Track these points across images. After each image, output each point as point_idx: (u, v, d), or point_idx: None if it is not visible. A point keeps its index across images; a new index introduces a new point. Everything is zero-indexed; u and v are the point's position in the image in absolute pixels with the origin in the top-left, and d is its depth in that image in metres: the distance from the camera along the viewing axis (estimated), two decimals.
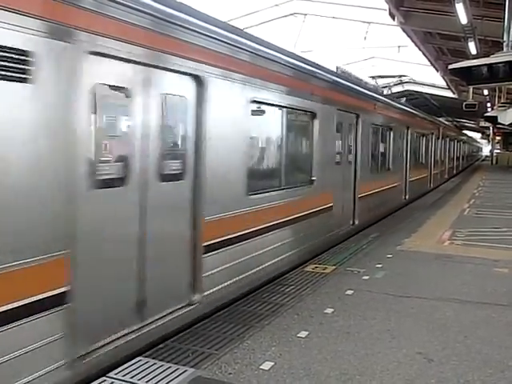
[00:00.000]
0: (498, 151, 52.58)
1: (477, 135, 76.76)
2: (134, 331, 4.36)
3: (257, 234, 6.15)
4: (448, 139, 27.54)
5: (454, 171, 33.01)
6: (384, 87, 30.25)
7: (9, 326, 3.20)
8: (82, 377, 3.82)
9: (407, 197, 15.91)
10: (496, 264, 8.02)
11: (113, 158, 4.18)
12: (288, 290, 6.49)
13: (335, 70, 10.54)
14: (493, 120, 22.45)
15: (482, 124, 42.19)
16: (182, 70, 4.77)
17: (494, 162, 49.80)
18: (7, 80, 3.12)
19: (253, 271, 6.16)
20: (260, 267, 6.34)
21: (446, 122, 31.43)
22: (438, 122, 24.08)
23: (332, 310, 5.73)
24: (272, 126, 7.22)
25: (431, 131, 20.81)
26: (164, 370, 4.15)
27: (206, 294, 5.21)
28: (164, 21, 4.45)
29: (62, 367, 3.60)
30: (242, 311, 5.66)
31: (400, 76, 18.91)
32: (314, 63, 8.46)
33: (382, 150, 12.96)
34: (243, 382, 4.03)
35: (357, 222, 10.51)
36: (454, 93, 32.48)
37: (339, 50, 26.51)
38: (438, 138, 22.82)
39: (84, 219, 3.76)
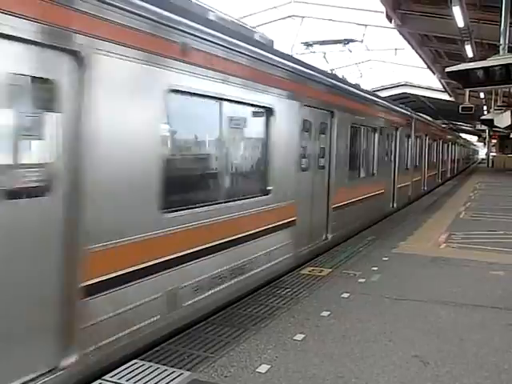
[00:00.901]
0: (494, 154, 52.77)
1: (473, 138, 76.99)
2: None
3: None
4: (428, 138, 21.13)
5: (440, 179, 26.58)
6: (381, 90, 30.19)
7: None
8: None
9: (329, 235, 9.22)
10: (492, 267, 8.04)
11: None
12: (284, 292, 6.49)
13: None
14: (489, 123, 22.53)
15: (479, 127, 42.34)
16: None
17: (490, 164, 49.97)
18: None
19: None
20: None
21: (426, 117, 22.46)
22: (409, 114, 17.02)
23: (328, 312, 5.73)
24: None
25: (393, 125, 14.43)
26: (160, 373, 4.14)
27: None
28: None
29: None
30: (238, 314, 5.65)
31: (346, 41, 13.53)
32: None
33: (247, 154, 6.87)
34: None
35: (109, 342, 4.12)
36: (450, 96, 32.59)
37: (336, 53, 26.55)
38: (409, 137, 16.60)
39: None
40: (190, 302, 5.13)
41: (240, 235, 6.04)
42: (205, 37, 5.26)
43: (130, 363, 4.28)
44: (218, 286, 5.63)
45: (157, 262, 4.61)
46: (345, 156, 9.87)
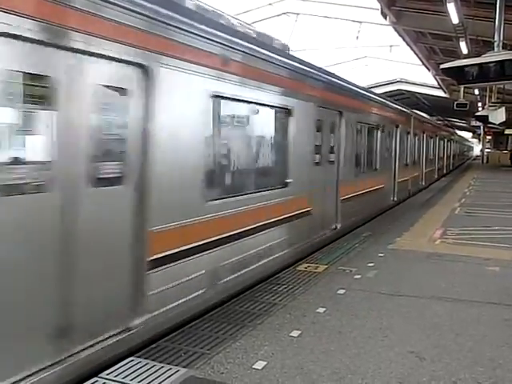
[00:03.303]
0: (489, 150, 52.92)
1: (468, 134, 77.21)
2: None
3: None
4: (402, 131, 15.88)
5: (423, 182, 21.42)
6: (376, 86, 30.15)
7: None
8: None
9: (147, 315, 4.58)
10: (487, 263, 8.07)
11: None
12: (280, 289, 6.49)
13: None
14: (484, 119, 22.55)
15: (473, 123, 42.42)
16: None
17: (485, 161, 50.15)
18: None
19: None
20: None
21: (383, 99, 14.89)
22: (375, 98, 13.39)
23: (324, 309, 5.73)
24: None
25: (339, 109, 9.71)
26: (156, 370, 4.14)
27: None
28: None
29: None
30: (235, 310, 5.66)
31: None
32: None
33: None
34: (236, 382, 4.03)
35: None
36: (445, 92, 32.60)
37: (331, 50, 26.59)
38: (372, 128, 11.96)
39: None
40: None
41: None
42: None
43: (127, 360, 4.27)
44: None
45: None
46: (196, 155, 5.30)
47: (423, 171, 21.50)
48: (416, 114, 20.25)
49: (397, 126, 15.28)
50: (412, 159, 18.37)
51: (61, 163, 3.76)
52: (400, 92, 36.92)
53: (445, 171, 32.23)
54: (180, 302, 5.04)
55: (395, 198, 15.63)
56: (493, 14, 10.79)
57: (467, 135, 76.55)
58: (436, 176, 26.93)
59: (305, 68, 8.32)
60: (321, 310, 5.71)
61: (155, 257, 4.67)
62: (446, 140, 32.63)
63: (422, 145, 20.58)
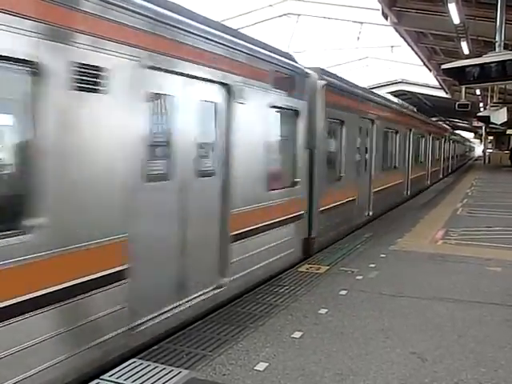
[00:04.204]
0: (491, 151, 52.89)
1: (470, 135, 77.16)
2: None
3: None
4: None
5: (368, 212, 12.18)
6: (377, 87, 30.06)
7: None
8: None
9: None
10: (489, 263, 8.06)
11: None
12: (282, 290, 6.49)
13: None
14: (485, 120, 22.56)
15: (475, 124, 42.37)
16: None
17: (487, 161, 50.12)
18: None
19: None
20: None
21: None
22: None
23: (326, 310, 5.73)
24: None
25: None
26: (158, 372, 4.13)
27: None
28: None
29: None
30: (236, 312, 5.65)
31: None
32: None
33: None
34: (237, 383, 4.03)
35: None
36: (446, 93, 32.61)
37: (332, 51, 26.59)
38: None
39: None
40: None
41: None
42: None
43: (128, 362, 4.27)
44: None
45: None
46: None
47: (370, 190, 12.37)
48: (355, 88, 11.58)
49: (278, 109, 7.28)
50: (350, 169, 10.55)
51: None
52: (402, 93, 36.92)
53: (428, 182, 22.98)
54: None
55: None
56: (494, 14, 10.80)
57: (469, 135, 76.51)
58: (407, 193, 17.69)
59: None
60: (323, 311, 5.71)
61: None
62: (434, 138, 24.31)
63: (372, 144, 12.34)
